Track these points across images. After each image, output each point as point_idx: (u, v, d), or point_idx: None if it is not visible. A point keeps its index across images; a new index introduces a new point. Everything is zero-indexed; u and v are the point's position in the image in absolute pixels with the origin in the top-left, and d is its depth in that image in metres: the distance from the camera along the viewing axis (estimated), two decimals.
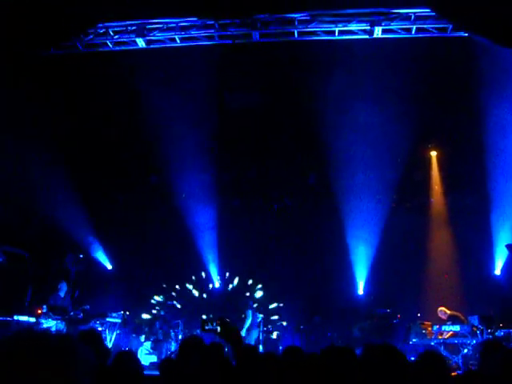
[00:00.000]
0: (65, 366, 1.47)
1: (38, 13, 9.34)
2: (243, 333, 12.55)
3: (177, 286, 15.87)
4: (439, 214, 15.22)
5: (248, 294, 14.40)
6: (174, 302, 15.16)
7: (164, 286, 15.78)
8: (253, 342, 12.19)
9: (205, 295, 15.90)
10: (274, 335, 13.81)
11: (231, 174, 15.98)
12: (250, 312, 12.67)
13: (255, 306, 13.62)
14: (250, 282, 15.76)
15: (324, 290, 15.15)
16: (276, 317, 14.78)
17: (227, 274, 16.05)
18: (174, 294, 15.69)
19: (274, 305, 15.26)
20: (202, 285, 15.96)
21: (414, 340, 11.76)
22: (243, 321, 12.62)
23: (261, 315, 13.26)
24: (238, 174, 15.97)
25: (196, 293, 15.80)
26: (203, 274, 16.07)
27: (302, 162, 15.20)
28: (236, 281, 15.84)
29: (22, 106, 11.32)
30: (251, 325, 12.56)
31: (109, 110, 13.25)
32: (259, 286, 15.46)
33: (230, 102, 13.51)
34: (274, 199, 16.46)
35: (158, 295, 15.51)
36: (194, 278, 16.04)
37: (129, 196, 16.27)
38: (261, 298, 15.30)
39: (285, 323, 14.75)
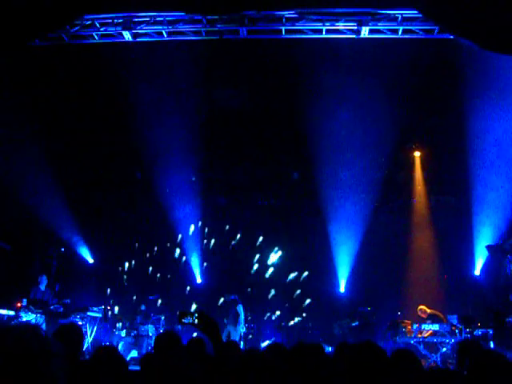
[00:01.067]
0: (34, 362, 1.46)
1: (23, 3, 9.23)
2: (241, 328, 12.50)
3: (158, 279, 15.82)
4: (421, 214, 15.37)
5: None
6: (155, 297, 15.10)
7: (145, 279, 15.72)
8: (238, 338, 12.15)
9: (187, 291, 15.88)
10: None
11: (217, 171, 15.97)
12: (241, 307, 12.65)
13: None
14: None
15: (306, 287, 15.25)
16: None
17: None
18: (154, 288, 15.62)
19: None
20: (184, 280, 15.92)
21: (393, 338, 11.89)
22: (236, 317, 12.55)
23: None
24: (224, 172, 15.96)
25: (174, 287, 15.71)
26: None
27: (287, 160, 15.26)
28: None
29: (4, 97, 11.19)
30: (238, 321, 12.54)
31: (94, 104, 13.16)
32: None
33: (216, 100, 13.49)
34: (259, 197, 16.50)
35: (140, 290, 15.44)
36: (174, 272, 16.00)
37: (113, 191, 16.17)
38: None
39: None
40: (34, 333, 1.56)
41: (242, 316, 12.58)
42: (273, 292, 15.17)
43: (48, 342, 1.55)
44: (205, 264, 16.04)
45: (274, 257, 15.88)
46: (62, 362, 1.56)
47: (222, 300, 13.26)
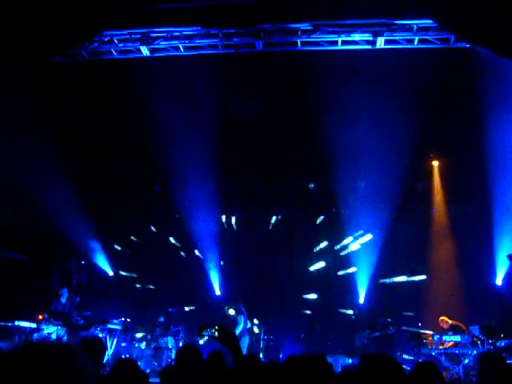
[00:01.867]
0: (67, 377, 1.50)
1: (43, 20, 9.47)
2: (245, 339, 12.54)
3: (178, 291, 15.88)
4: (441, 223, 15.24)
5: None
6: (175, 309, 15.16)
7: (165, 291, 15.80)
8: (245, 350, 12.13)
9: (206, 303, 15.91)
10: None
11: (234, 183, 16.05)
12: (241, 317, 12.66)
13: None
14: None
15: (326, 298, 15.19)
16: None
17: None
18: (174, 300, 15.69)
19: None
20: (202, 293, 15.97)
21: (414, 350, 11.79)
22: (233, 327, 12.61)
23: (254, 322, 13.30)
24: (242, 184, 16.04)
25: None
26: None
27: (305, 171, 15.28)
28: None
29: (26, 112, 11.43)
30: (242, 331, 12.54)
31: (114, 118, 13.38)
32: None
33: (233, 112, 13.61)
34: (278, 209, 16.53)
35: (159, 302, 15.52)
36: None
37: (132, 204, 16.36)
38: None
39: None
40: (74, 354, 1.58)
41: (240, 326, 12.53)
42: (291, 305, 15.09)
43: (86, 363, 1.58)
44: (222, 276, 16.09)
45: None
46: (93, 379, 1.60)
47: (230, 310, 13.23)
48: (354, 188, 14.65)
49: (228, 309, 13.03)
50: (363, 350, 12.56)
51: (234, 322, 12.69)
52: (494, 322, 11.72)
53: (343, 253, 15.60)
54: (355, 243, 15.43)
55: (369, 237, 15.24)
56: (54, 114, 12.49)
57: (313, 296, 15.39)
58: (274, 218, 16.46)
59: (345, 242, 15.57)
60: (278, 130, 13.88)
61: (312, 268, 15.64)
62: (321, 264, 15.64)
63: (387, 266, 14.72)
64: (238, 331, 12.45)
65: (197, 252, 16.15)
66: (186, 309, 14.98)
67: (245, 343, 12.46)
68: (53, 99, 12.02)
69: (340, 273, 15.41)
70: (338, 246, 15.65)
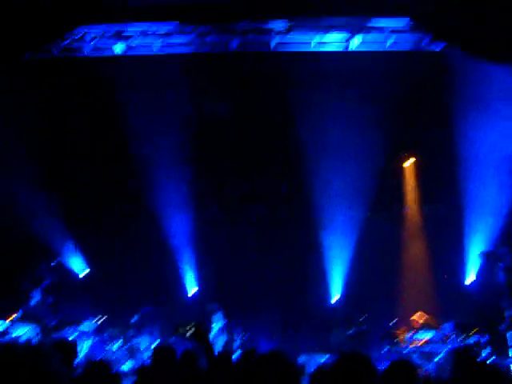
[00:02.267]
0: (40, 380, 1.48)
1: (14, 16, 9.29)
2: (220, 337, 12.50)
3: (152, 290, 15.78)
4: (414, 222, 15.46)
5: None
6: (149, 309, 15.05)
7: (138, 290, 15.67)
8: (220, 348, 12.09)
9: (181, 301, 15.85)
10: None
11: (208, 182, 16.02)
12: (220, 315, 12.64)
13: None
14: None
15: (300, 297, 15.24)
16: None
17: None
18: (148, 299, 15.58)
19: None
20: (176, 292, 15.89)
21: (387, 348, 11.94)
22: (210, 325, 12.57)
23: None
24: (215, 183, 16.02)
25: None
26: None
27: (278, 171, 15.33)
28: None
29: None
30: (219, 329, 12.52)
31: (84, 115, 13.18)
32: None
33: (206, 112, 13.58)
34: (250, 208, 16.53)
35: (132, 301, 15.39)
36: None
37: (104, 202, 16.15)
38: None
39: None
40: (48, 356, 1.57)
41: (217, 326, 12.53)
42: (265, 303, 15.11)
43: (60, 365, 1.57)
44: (198, 274, 16.03)
45: None
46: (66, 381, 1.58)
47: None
48: (327, 188, 14.71)
49: (209, 306, 12.97)
50: (338, 348, 12.66)
51: (210, 320, 12.67)
52: (467, 318, 11.97)
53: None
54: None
55: None
56: (25, 113, 12.28)
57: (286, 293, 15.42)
58: (247, 218, 16.43)
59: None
60: (250, 129, 13.86)
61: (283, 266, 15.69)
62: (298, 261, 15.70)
63: (361, 264, 14.84)
64: (214, 330, 12.43)
65: (170, 250, 16.03)
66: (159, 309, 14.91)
67: (221, 341, 12.43)
68: (23, 98, 11.80)
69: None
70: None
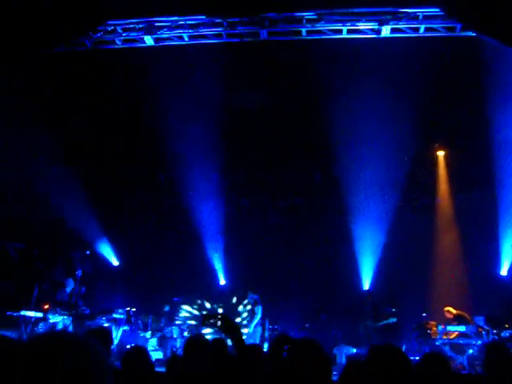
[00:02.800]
0: (86, 371, 1.51)
1: (46, 10, 9.43)
2: (251, 329, 12.59)
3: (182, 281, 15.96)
4: (446, 213, 15.24)
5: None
6: (179, 299, 15.24)
7: (169, 281, 15.87)
8: (257, 340, 12.20)
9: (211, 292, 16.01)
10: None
11: (239, 173, 16.08)
12: (260, 308, 12.70)
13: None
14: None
15: (330, 288, 15.22)
16: None
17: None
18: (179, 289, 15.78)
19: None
20: (206, 283, 16.05)
21: (418, 340, 11.84)
22: (251, 317, 12.64)
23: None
24: (246, 174, 16.07)
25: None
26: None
27: (309, 160, 15.29)
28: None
29: (28, 103, 11.44)
30: (258, 322, 12.61)
31: (117, 108, 13.35)
32: None
33: (238, 102, 13.57)
34: (282, 198, 16.54)
35: (164, 291, 15.60)
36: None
37: (137, 193, 16.41)
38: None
39: None
40: (92, 348, 1.59)
41: (258, 317, 12.61)
42: (296, 293, 15.14)
43: (105, 357, 1.60)
44: (230, 264, 16.15)
45: None
46: (110, 370, 1.61)
47: (246, 300, 13.29)
48: (359, 177, 14.60)
49: (250, 296, 13.01)
50: (367, 340, 12.62)
51: (252, 309, 12.75)
52: (499, 312, 11.76)
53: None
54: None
55: None
56: (56, 105, 12.49)
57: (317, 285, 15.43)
58: (278, 208, 16.46)
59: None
60: (283, 120, 13.82)
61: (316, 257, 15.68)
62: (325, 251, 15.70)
63: (392, 254, 14.72)
64: (255, 321, 12.50)
65: (202, 241, 16.18)
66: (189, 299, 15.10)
67: (258, 334, 12.51)
68: (55, 90, 12.00)
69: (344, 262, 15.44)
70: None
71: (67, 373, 1.46)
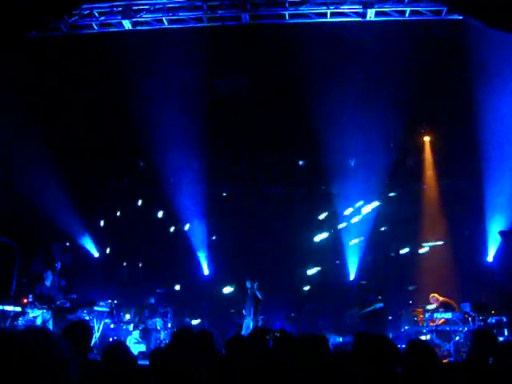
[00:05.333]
0: (46, 367, 1.52)
1: None
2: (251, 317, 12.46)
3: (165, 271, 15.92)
4: (432, 199, 15.36)
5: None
6: (163, 291, 15.21)
7: (152, 272, 15.82)
8: (249, 330, 12.13)
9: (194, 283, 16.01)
10: None
11: (221, 160, 16.05)
12: (261, 294, 12.65)
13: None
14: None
15: (316, 277, 15.34)
16: None
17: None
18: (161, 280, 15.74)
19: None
20: (190, 273, 16.04)
21: (405, 327, 12.00)
22: (255, 305, 12.55)
23: None
24: (229, 160, 16.05)
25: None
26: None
27: (293, 146, 15.28)
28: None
29: (3, 90, 11.24)
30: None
31: (95, 94, 13.16)
32: None
33: (219, 88, 13.49)
34: (265, 186, 16.55)
35: (146, 283, 15.56)
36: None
37: (117, 182, 16.31)
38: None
39: None
40: (50, 339, 1.59)
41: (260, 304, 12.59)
42: (279, 283, 15.21)
43: (64, 348, 1.59)
44: (211, 255, 16.16)
45: None
46: (75, 367, 1.60)
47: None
48: (345, 164, 14.66)
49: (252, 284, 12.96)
50: (353, 328, 12.74)
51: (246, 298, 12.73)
52: (485, 298, 11.94)
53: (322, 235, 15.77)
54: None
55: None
56: (31, 93, 12.30)
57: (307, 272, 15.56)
58: (262, 196, 16.47)
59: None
60: (266, 105, 13.80)
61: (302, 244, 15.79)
62: (317, 237, 15.83)
63: (377, 242, 14.85)
64: (259, 307, 12.46)
65: (184, 230, 16.16)
66: (176, 288, 15.09)
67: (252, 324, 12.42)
68: (30, 76, 11.80)
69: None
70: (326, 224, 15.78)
71: (23, 363, 1.49)
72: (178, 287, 15.25)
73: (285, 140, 15.08)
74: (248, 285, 12.98)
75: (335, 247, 15.40)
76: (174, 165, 15.42)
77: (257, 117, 14.13)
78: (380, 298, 13.42)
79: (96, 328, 11.65)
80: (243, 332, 12.06)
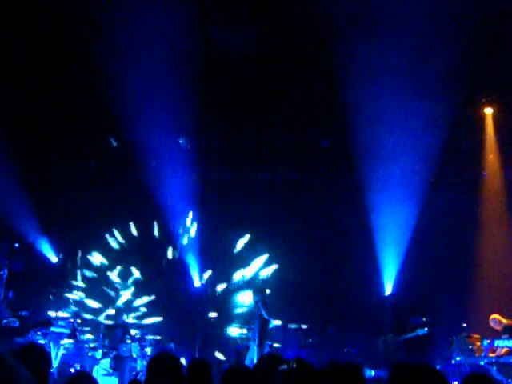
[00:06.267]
0: None
1: None
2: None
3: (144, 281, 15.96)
4: (494, 191, 15.27)
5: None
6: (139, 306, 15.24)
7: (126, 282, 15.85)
8: (255, 359, 12.07)
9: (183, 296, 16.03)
10: None
11: (214, 137, 16.01)
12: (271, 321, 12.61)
13: None
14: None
15: (340, 292, 15.29)
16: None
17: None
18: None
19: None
20: (177, 283, 16.05)
21: (457, 358, 11.93)
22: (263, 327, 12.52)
23: None
24: (224, 138, 16.03)
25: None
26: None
27: (312, 122, 15.17)
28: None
29: None
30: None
31: (55, 52, 13.06)
32: None
33: (217, 42, 13.39)
34: (272, 171, 16.47)
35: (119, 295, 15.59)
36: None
37: (81, 164, 16.28)
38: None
39: None
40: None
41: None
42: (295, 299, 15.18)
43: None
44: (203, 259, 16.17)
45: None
46: None
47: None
48: (380, 145, 14.56)
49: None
50: (389, 358, 12.73)
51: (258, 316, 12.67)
52: None
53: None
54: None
55: None
56: None
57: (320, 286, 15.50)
58: (266, 184, 16.41)
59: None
60: (273, 68, 13.66)
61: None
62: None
63: (423, 248, 14.76)
64: (267, 329, 12.48)
65: (168, 225, 16.15)
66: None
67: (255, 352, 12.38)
68: None
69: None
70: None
71: None
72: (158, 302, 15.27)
73: (302, 113, 14.96)
74: (254, 298, 12.91)
75: (365, 250, 15.29)
76: (156, 144, 15.40)
77: (265, 82, 14.05)
78: (424, 320, 13.41)
79: (53, 355, 11.66)
80: (247, 362, 12.03)
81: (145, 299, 15.44)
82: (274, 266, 15.78)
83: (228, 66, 13.65)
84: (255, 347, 12.37)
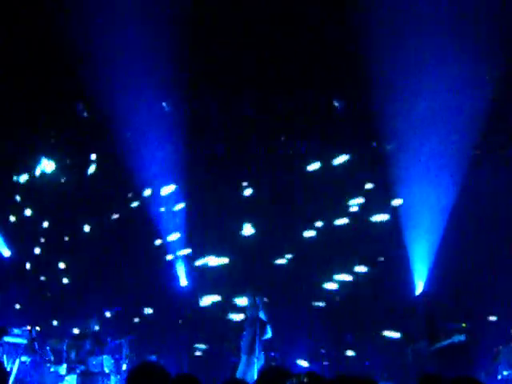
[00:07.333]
0: None
1: None
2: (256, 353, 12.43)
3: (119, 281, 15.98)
4: None
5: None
6: (114, 310, 15.21)
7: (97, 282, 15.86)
8: (255, 374, 12.05)
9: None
10: None
11: (209, 102, 15.91)
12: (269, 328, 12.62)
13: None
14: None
15: (359, 292, 15.29)
16: None
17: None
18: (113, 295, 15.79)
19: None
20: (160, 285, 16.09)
21: (504, 373, 11.98)
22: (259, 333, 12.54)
23: None
24: (221, 103, 15.93)
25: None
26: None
27: (328, 82, 15.09)
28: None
29: None
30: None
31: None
32: None
33: None
34: (279, 144, 16.42)
35: (89, 299, 15.58)
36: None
37: (43, 135, 16.28)
38: None
39: None
40: None
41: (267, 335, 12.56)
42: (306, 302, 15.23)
43: None
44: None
45: None
46: None
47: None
48: (410, 112, 14.50)
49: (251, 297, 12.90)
50: (420, 371, 12.71)
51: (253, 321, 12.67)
52: None
53: (378, 217, 15.75)
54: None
55: None
56: None
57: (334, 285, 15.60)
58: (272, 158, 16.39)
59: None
60: (285, 12, 13.60)
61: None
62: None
63: (462, 236, 14.72)
64: (269, 335, 12.48)
65: (149, 216, 16.14)
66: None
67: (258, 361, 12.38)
68: None
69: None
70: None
71: None
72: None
73: (313, 71, 14.92)
74: (248, 300, 12.92)
75: (391, 239, 15.31)
76: (132, 110, 15.40)
77: (267, 34, 14.07)
78: (463, 325, 13.40)
79: (8, 369, 11.63)
80: (238, 375, 12.05)
81: None
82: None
83: (221, 13, 13.72)
84: (245, 359, 12.38)
